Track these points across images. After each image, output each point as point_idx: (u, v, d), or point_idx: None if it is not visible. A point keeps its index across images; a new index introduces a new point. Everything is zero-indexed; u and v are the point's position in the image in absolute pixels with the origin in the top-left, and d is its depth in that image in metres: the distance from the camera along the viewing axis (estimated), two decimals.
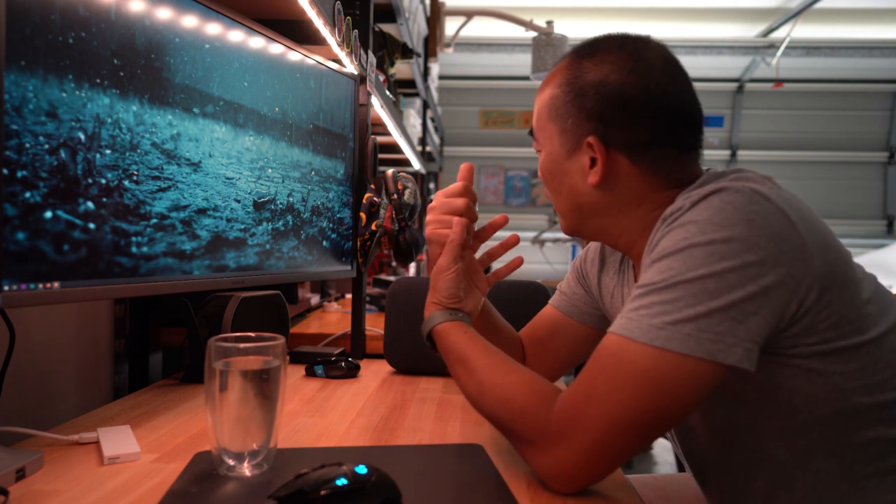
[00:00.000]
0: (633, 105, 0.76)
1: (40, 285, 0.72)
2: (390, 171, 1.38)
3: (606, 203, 0.81)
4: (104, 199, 0.81)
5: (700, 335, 0.61)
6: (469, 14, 3.53)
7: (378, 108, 1.80)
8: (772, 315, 0.63)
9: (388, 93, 1.98)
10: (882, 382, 0.68)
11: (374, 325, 1.56)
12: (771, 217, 0.64)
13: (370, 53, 1.53)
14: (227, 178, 1.04)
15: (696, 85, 0.79)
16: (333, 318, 1.90)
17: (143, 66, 0.86)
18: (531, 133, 0.88)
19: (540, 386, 0.71)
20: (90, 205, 0.78)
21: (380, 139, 2.11)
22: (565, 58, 0.83)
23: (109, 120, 0.81)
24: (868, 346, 0.68)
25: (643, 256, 0.72)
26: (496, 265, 0.99)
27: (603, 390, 0.64)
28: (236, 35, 1.06)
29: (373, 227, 1.35)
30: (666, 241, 0.67)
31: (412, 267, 3.51)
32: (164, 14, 0.90)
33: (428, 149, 3.95)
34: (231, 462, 0.67)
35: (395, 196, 1.34)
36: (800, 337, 0.66)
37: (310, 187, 1.28)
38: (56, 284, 0.74)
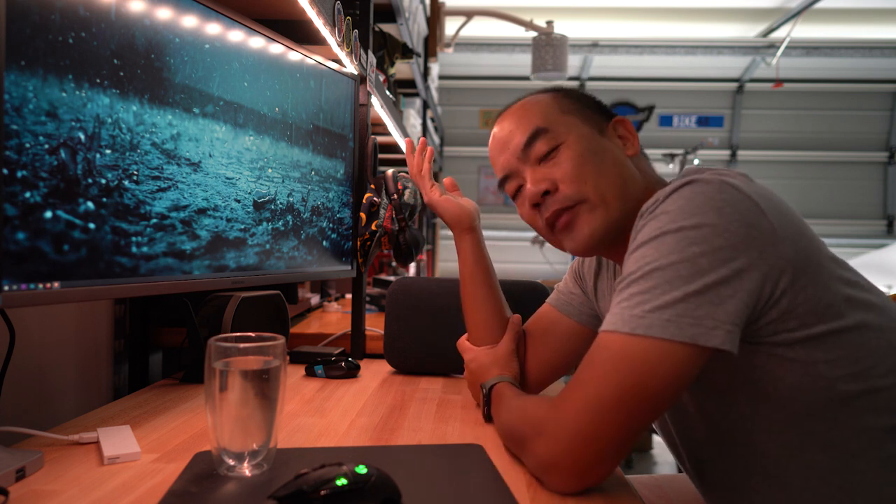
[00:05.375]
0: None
1: (40, 285, 0.72)
2: (390, 171, 1.38)
3: (639, 178, 0.86)
4: (104, 199, 0.81)
5: (680, 320, 0.63)
6: (469, 14, 3.53)
7: (378, 108, 1.80)
8: (749, 297, 0.64)
9: (388, 93, 1.98)
10: (867, 370, 0.69)
11: (374, 325, 1.56)
12: (740, 205, 0.66)
13: (370, 53, 1.53)
14: (227, 178, 1.04)
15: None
16: (333, 318, 1.90)
17: (143, 66, 0.86)
18: (535, 136, 0.87)
19: (552, 398, 0.72)
20: (90, 205, 0.78)
21: (380, 139, 2.11)
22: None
23: (109, 120, 0.81)
24: (849, 333, 0.69)
25: (626, 254, 0.73)
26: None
27: (584, 376, 0.66)
28: (236, 35, 1.06)
29: (373, 227, 1.35)
30: (642, 233, 0.70)
31: (412, 267, 3.50)
32: (164, 14, 0.90)
33: None
34: (231, 462, 0.67)
35: (395, 196, 1.34)
36: (779, 322, 0.67)
37: (310, 187, 1.28)
38: (56, 284, 0.74)
